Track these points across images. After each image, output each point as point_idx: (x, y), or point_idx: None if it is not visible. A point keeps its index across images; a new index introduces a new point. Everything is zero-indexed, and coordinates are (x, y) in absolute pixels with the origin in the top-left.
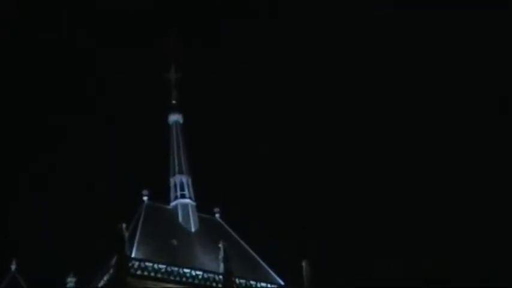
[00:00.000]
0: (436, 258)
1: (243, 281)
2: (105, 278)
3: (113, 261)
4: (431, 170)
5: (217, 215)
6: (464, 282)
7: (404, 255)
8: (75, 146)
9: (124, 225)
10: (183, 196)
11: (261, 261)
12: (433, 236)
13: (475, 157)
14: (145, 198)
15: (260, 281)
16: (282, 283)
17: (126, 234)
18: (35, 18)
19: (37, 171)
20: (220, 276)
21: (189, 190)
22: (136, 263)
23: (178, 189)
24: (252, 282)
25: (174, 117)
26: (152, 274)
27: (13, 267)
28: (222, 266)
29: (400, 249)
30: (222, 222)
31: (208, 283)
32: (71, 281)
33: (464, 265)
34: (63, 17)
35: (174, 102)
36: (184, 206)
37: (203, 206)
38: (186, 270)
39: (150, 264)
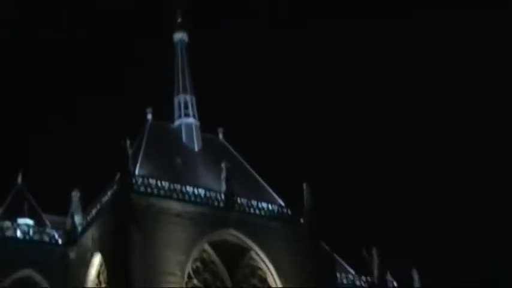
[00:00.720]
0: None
1: (244, 200)
2: (109, 193)
3: (117, 177)
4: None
5: (220, 135)
6: None
7: (404, 174)
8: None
9: (128, 142)
10: (187, 115)
11: (263, 182)
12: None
13: None
14: (149, 116)
15: (261, 201)
16: (283, 204)
17: (130, 151)
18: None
19: None
20: (222, 195)
21: (193, 109)
22: (140, 180)
23: (182, 108)
24: (253, 202)
25: (179, 36)
26: (155, 191)
27: (19, 180)
28: (224, 185)
29: (401, 169)
30: (225, 143)
31: (210, 201)
32: (75, 195)
33: None
34: None
35: (179, 20)
36: (188, 125)
37: (207, 125)
38: (188, 189)
39: (154, 181)
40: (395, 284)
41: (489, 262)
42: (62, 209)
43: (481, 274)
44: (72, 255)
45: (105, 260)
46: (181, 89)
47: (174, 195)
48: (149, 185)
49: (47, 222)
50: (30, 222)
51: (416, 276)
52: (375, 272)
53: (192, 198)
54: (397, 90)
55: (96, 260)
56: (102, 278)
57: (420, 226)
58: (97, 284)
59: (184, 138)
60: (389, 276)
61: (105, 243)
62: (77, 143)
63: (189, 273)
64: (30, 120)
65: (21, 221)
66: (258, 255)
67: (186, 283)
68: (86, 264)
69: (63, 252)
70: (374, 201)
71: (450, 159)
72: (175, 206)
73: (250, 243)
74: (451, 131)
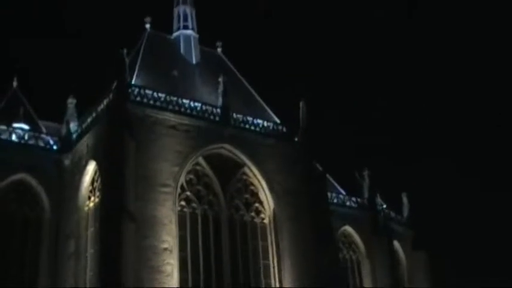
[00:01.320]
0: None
1: (240, 116)
2: (105, 102)
3: (113, 86)
4: None
5: (219, 49)
6: None
7: (400, 96)
8: None
9: (125, 52)
10: (186, 27)
11: (259, 99)
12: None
13: None
14: (147, 26)
15: (257, 118)
16: (278, 121)
17: (127, 60)
18: None
19: None
20: (218, 110)
21: (192, 22)
22: (136, 90)
23: (181, 20)
24: (249, 118)
25: None
26: (151, 102)
27: (15, 84)
28: (220, 99)
29: (397, 91)
30: (224, 57)
31: (206, 115)
32: (71, 102)
33: None
34: None
35: None
36: (187, 38)
37: (206, 39)
38: (185, 101)
39: (150, 92)
40: (384, 206)
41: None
42: (57, 116)
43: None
44: (67, 162)
45: (100, 167)
46: (181, 0)
47: (170, 107)
48: (145, 95)
49: (42, 128)
50: (25, 127)
51: (405, 200)
52: (365, 193)
53: (188, 111)
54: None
55: (91, 167)
56: (96, 185)
57: (413, 151)
58: (91, 191)
59: (182, 50)
60: (379, 199)
61: (100, 151)
62: (75, 51)
63: (182, 185)
64: (29, 24)
65: (17, 125)
66: (251, 170)
67: (179, 194)
68: (81, 172)
69: (58, 158)
70: (369, 123)
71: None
72: (171, 117)
73: (244, 158)
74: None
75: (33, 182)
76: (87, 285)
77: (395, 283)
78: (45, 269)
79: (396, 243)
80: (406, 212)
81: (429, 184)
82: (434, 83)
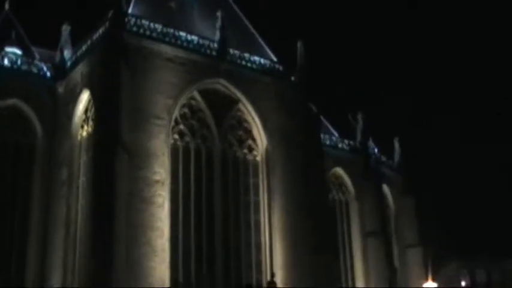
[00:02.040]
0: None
1: (237, 52)
2: (100, 30)
3: (109, 15)
4: None
5: None
6: None
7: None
8: None
9: None
10: None
11: (257, 36)
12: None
13: None
14: None
15: (254, 54)
16: (275, 59)
17: None
18: None
19: None
20: (215, 44)
21: None
22: (133, 20)
23: None
24: (246, 55)
25: None
26: (148, 33)
27: (7, 6)
28: (218, 34)
29: (397, 37)
30: None
31: (202, 49)
32: (65, 29)
33: None
34: None
35: None
36: None
37: None
38: (182, 34)
39: (147, 23)
40: (376, 150)
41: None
42: (51, 42)
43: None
44: (61, 89)
45: (94, 96)
46: None
47: (167, 39)
48: (142, 25)
49: (35, 54)
50: (18, 51)
51: (397, 146)
52: (358, 136)
53: (185, 44)
54: None
55: (85, 96)
56: (89, 114)
57: (408, 97)
58: (84, 120)
59: None
60: (371, 143)
61: (95, 80)
62: None
63: (176, 118)
64: None
65: (9, 49)
66: (245, 107)
67: (173, 127)
68: (74, 100)
69: (51, 85)
70: (366, 67)
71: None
72: (167, 50)
73: (239, 94)
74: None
75: (26, 108)
76: (79, 213)
77: (382, 226)
78: (37, 196)
79: (385, 187)
80: (397, 157)
81: (421, 131)
82: (432, 30)
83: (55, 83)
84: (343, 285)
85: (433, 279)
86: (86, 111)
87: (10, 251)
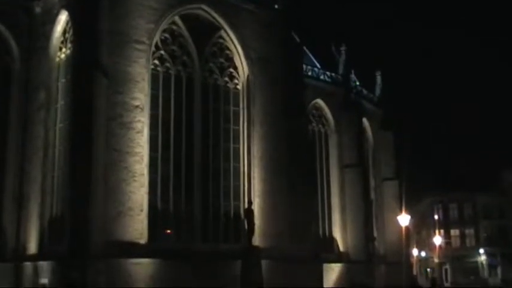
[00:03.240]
0: None
1: None
2: None
3: None
4: None
5: None
6: None
7: None
8: None
9: None
10: None
11: None
12: None
13: None
14: None
15: None
16: None
17: None
18: None
19: None
20: None
21: None
22: None
23: None
24: None
25: None
26: None
27: None
28: None
29: None
30: None
31: None
32: None
33: None
34: None
35: None
36: None
37: None
38: None
39: None
40: (357, 83)
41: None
42: None
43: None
44: (38, 9)
45: (72, 18)
46: None
47: None
48: None
49: None
50: None
51: (379, 80)
52: (340, 69)
53: None
54: None
55: (63, 17)
56: (68, 36)
57: (391, 31)
58: (62, 42)
59: None
60: (353, 75)
61: (73, 1)
62: None
63: (156, 43)
64: None
65: None
66: (227, 34)
67: (153, 53)
68: (52, 21)
69: (28, 5)
70: None
71: None
72: None
73: (221, 21)
74: None
75: (2, 28)
76: (57, 136)
77: (360, 159)
78: (14, 119)
79: (365, 121)
80: (378, 91)
81: (404, 66)
82: None
83: (32, 3)
84: (320, 215)
85: (407, 212)
86: (64, 32)
87: None
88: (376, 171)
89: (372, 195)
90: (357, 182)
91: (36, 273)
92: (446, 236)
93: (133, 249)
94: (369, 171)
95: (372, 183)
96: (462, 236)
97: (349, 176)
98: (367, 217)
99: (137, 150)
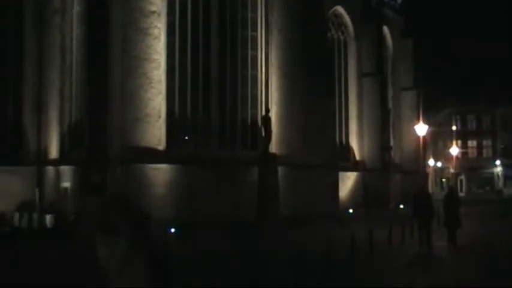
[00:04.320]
0: None
1: None
2: None
3: None
4: None
5: None
6: None
7: None
8: None
9: None
10: None
11: None
12: None
13: None
14: None
15: None
16: None
17: None
18: None
19: None
20: None
21: None
22: None
23: None
24: None
25: None
26: None
27: None
28: None
29: None
30: None
31: None
32: None
33: None
34: None
35: None
36: None
37: None
38: None
39: None
40: None
41: None
42: None
43: None
44: None
45: None
46: None
47: None
48: None
49: None
50: None
51: None
52: None
53: None
54: None
55: None
56: None
57: None
58: None
59: None
60: None
61: None
62: None
63: None
64: None
65: None
66: None
67: None
68: None
69: None
70: None
71: None
72: None
73: None
74: None
75: None
76: (74, 42)
77: (378, 67)
78: (30, 26)
79: (385, 29)
80: None
81: None
82: None
83: None
84: (337, 124)
85: (425, 122)
86: None
87: (5, 85)
88: (395, 81)
89: (390, 105)
90: (375, 91)
91: (58, 177)
92: (463, 146)
93: (151, 155)
94: (388, 80)
95: (390, 92)
96: (479, 147)
97: (367, 84)
98: (384, 126)
99: (154, 56)
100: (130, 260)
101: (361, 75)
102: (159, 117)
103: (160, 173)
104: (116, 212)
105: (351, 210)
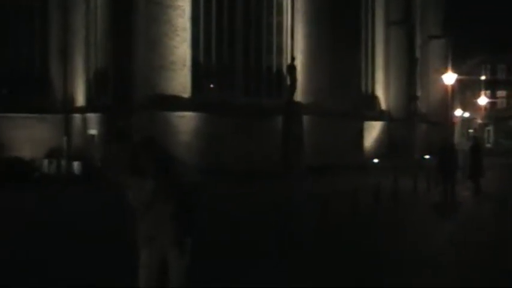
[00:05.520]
0: None
1: None
2: None
3: None
4: None
5: None
6: None
7: None
8: None
9: None
10: None
11: None
12: None
13: None
14: None
15: None
16: None
17: None
18: None
19: None
20: None
21: None
22: None
23: None
24: None
25: None
26: None
27: None
28: None
29: None
30: None
31: None
32: None
33: None
34: None
35: None
36: None
37: None
38: None
39: None
40: None
41: None
42: None
43: None
44: None
45: None
46: None
47: None
48: None
49: None
50: None
51: None
52: None
53: None
54: None
55: None
56: None
57: None
58: None
59: None
60: None
61: None
62: None
63: None
64: None
65: None
66: None
67: None
68: None
69: None
70: None
71: None
72: None
73: None
74: None
75: None
76: None
77: (407, 15)
78: None
79: None
80: None
81: None
82: None
83: None
84: (363, 73)
85: (453, 72)
86: None
87: (32, 37)
88: (423, 29)
89: (418, 54)
90: (402, 40)
91: (84, 124)
92: (492, 96)
93: (176, 103)
94: (416, 28)
95: (418, 41)
96: (508, 97)
97: (394, 32)
98: (411, 75)
99: (179, 3)
100: (158, 198)
101: (388, 23)
102: (184, 65)
103: (185, 121)
104: (146, 155)
105: (375, 160)
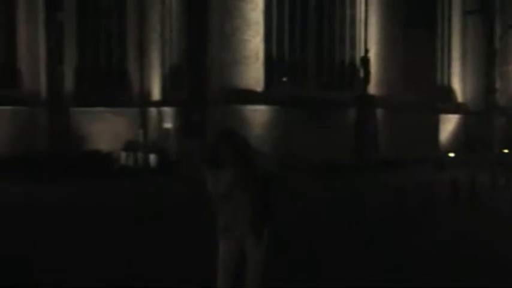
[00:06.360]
0: None
1: None
2: None
3: None
4: None
5: None
6: None
7: None
8: None
9: None
10: None
11: None
12: None
13: None
14: None
15: None
16: None
17: None
18: None
19: None
20: None
21: None
22: None
23: None
24: None
25: None
26: None
27: None
28: None
29: None
30: None
31: None
32: None
33: None
34: None
35: None
36: None
37: None
38: None
39: None
40: None
41: None
42: None
43: None
44: None
45: None
46: None
47: None
48: None
49: None
50: None
51: None
52: None
53: None
54: None
55: None
56: None
57: None
58: None
59: None
60: None
61: None
62: None
63: None
64: None
65: None
66: None
67: None
68: None
69: None
70: None
71: None
72: None
73: None
74: None
75: None
76: None
77: (485, 3)
78: None
79: None
80: None
81: None
82: None
83: None
84: (438, 64)
85: None
86: None
87: (110, 35)
88: (503, 18)
89: (497, 44)
90: (480, 30)
91: (160, 118)
92: None
93: (249, 96)
94: (495, 17)
95: (498, 30)
96: None
97: (472, 22)
98: (489, 67)
99: None
100: (237, 189)
101: (465, 12)
102: (257, 59)
103: (258, 114)
104: (227, 146)
105: (451, 154)
